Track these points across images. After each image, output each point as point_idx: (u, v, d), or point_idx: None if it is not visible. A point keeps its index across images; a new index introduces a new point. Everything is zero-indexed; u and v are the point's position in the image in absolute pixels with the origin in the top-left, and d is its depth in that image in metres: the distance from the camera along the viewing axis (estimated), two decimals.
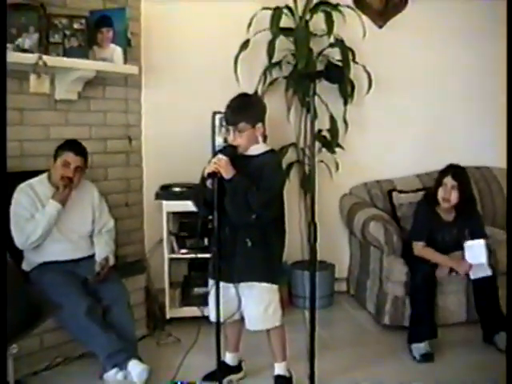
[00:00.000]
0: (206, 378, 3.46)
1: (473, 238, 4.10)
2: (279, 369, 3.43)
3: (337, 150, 4.78)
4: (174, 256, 4.40)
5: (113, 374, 3.43)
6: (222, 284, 3.08)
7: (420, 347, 3.84)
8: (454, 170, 4.10)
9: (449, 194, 4.04)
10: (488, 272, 3.94)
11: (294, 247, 4.53)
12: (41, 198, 3.65)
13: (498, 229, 4.69)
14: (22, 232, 3.58)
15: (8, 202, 3.57)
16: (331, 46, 4.65)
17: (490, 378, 3.45)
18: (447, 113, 5.19)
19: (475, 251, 3.97)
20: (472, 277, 4.00)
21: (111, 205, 4.11)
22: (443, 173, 4.13)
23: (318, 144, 4.62)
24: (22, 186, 3.66)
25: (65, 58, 3.82)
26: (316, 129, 4.34)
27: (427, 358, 3.81)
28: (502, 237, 4.40)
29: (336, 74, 3.46)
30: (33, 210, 3.61)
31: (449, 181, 4.05)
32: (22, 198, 3.63)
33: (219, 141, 4.27)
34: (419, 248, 4.10)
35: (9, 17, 3.48)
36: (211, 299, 3.20)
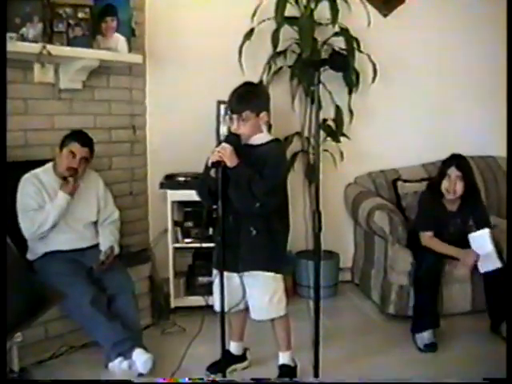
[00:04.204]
0: (211, 367, 3.46)
1: (477, 227, 4.09)
2: (284, 358, 3.42)
3: (341, 139, 4.77)
4: (178, 245, 4.40)
5: (117, 363, 3.44)
6: (226, 274, 3.08)
7: (424, 337, 3.84)
8: (458, 161, 4.07)
9: (453, 185, 4.01)
10: (497, 264, 3.88)
11: (298, 237, 4.53)
12: (46, 188, 3.66)
13: (502, 219, 4.66)
14: (32, 222, 3.60)
15: (11, 190, 3.57)
16: (336, 34, 4.63)
17: (492, 368, 3.44)
18: (452, 102, 5.17)
19: (480, 241, 3.93)
20: (481, 270, 3.94)
21: (116, 194, 4.12)
22: (446, 164, 4.10)
23: (322, 133, 4.61)
24: (28, 175, 3.66)
25: (69, 48, 3.81)
26: (321, 118, 4.32)
27: (431, 347, 3.80)
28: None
29: (340, 62, 3.46)
30: (39, 200, 3.63)
31: (453, 171, 4.02)
32: (28, 187, 3.63)
33: (224, 130, 4.27)
34: (426, 238, 4.07)
35: (13, 6, 3.49)
36: (215, 289, 3.21)
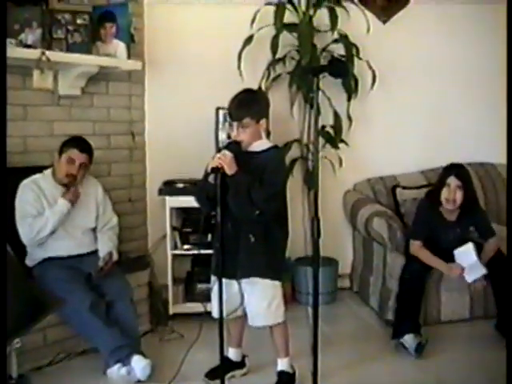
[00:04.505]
0: (209, 373, 3.46)
1: (480, 234, 4.09)
2: (282, 365, 3.42)
3: (340, 145, 4.77)
4: (177, 252, 4.39)
5: (116, 370, 3.44)
6: (224, 280, 3.08)
7: (409, 342, 3.79)
8: (457, 170, 4.04)
9: (453, 195, 3.96)
10: (482, 270, 3.88)
11: (297, 243, 4.53)
12: (45, 194, 3.66)
13: (502, 226, 4.65)
14: (31, 228, 3.59)
15: (9, 196, 3.56)
16: (335, 41, 4.64)
17: (492, 375, 3.44)
18: (452, 109, 5.18)
19: (464, 256, 3.92)
20: (468, 281, 3.94)
21: (114, 200, 4.11)
22: (446, 173, 4.06)
23: (321, 140, 4.61)
24: (27, 181, 3.66)
25: (68, 54, 3.82)
26: (320, 125, 4.32)
27: (421, 349, 3.74)
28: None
29: (339, 69, 3.45)
30: (38, 206, 3.63)
31: (453, 181, 3.97)
32: (27, 193, 3.63)
33: (223, 136, 4.27)
34: (415, 247, 4.05)
35: (12, 12, 3.51)
36: (214, 295, 3.21)
